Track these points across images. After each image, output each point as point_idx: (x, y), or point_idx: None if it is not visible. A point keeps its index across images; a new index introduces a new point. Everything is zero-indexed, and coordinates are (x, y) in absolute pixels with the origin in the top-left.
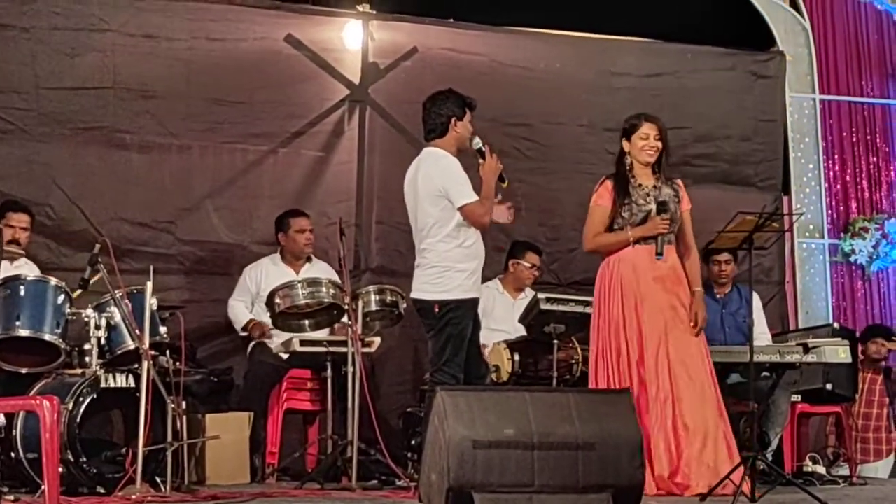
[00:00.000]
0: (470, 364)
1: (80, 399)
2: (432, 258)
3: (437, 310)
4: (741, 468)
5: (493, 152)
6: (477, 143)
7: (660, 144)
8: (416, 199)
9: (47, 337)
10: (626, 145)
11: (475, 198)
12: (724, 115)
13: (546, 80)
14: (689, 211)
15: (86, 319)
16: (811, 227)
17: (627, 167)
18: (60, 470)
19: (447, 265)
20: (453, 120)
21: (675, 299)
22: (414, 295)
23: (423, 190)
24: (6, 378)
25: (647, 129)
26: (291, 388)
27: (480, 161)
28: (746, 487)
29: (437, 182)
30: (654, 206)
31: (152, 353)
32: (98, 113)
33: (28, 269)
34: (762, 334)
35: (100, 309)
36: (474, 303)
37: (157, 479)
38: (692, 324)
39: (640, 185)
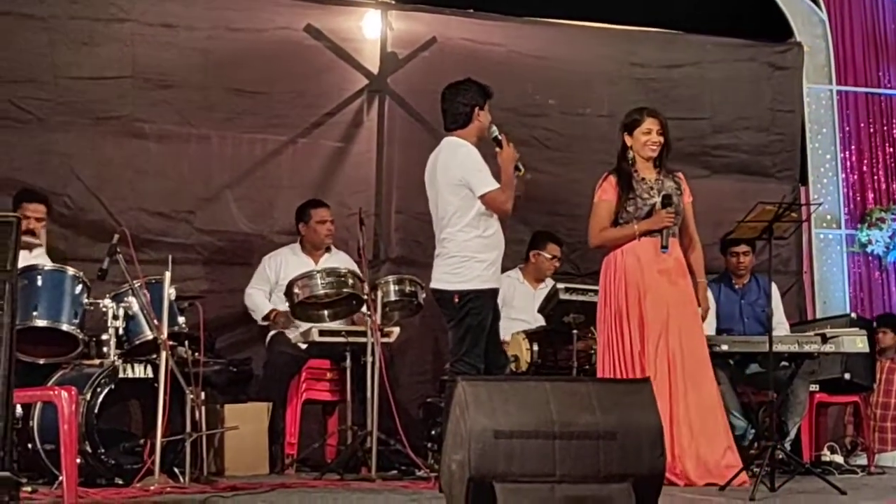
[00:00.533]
0: (490, 354)
1: (98, 389)
2: (452, 248)
3: (456, 300)
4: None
5: (510, 141)
6: (493, 131)
7: (662, 139)
8: (437, 188)
9: (65, 327)
10: (627, 140)
11: (496, 185)
12: (743, 105)
13: (565, 70)
14: (691, 203)
15: (104, 309)
16: (828, 217)
17: (630, 161)
18: (78, 461)
19: (467, 255)
20: (476, 109)
21: (679, 292)
22: (434, 285)
23: (442, 179)
24: (24, 368)
25: (650, 124)
26: (310, 378)
27: (497, 150)
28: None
29: (457, 172)
30: (658, 200)
31: (171, 343)
32: (116, 102)
33: (43, 260)
34: (780, 324)
35: (118, 299)
36: (494, 293)
37: (176, 470)
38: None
39: (643, 179)
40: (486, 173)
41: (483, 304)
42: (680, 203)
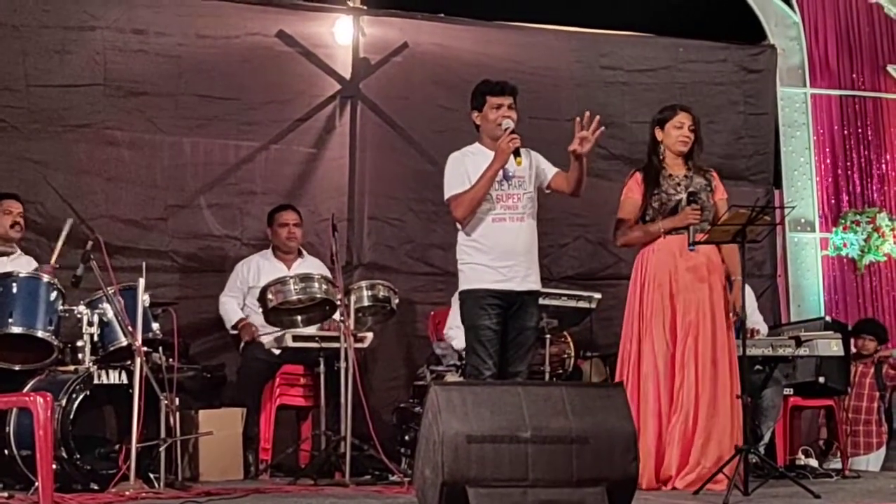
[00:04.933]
0: (500, 360)
1: (73, 396)
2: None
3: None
4: (732, 462)
5: (514, 132)
6: (505, 124)
7: (693, 135)
8: None
9: (40, 334)
10: (658, 134)
11: (454, 191)
12: (716, 108)
13: (536, 74)
14: (725, 200)
15: (78, 316)
16: (802, 220)
17: (661, 157)
18: (54, 467)
19: (461, 259)
20: (474, 113)
21: (709, 289)
22: None
23: None
24: None
25: (683, 118)
26: (284, 383)
27: None
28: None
29: None
30: (683, 196)
31: (145, 349)
32: (88, 110)
33: (21, 265)
34: (758, 322)
35: (92, 306)
36: (485, 293)
37: (151, 476)
38: (731, 314)
39: (670, 176)
40: (453, 179)
41: (470, 305)
42: (708, 200)
